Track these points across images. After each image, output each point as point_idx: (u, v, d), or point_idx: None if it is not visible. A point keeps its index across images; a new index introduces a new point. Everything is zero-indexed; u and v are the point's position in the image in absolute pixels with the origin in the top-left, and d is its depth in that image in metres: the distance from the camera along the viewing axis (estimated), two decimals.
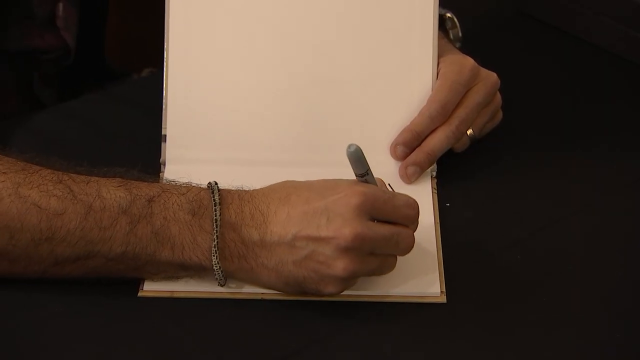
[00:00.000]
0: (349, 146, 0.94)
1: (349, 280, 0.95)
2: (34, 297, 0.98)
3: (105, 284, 0.98)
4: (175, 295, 0.99)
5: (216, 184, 0.98)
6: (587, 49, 1.34)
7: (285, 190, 0.98)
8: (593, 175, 1.19)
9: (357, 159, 0.95)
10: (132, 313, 0.98)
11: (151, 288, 1.00)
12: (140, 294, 0.99)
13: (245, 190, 1.00)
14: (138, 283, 0.99)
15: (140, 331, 0.97)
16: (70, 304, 0.98)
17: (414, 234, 0.99)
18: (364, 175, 0.97)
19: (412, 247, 0.97)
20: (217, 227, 0.95)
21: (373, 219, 0.95)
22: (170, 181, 1.03)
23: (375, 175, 1.00)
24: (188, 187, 0.99)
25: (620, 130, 1.25)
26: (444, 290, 1.00)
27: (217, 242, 0.95)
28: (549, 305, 1.01)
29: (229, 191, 0.99)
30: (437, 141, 1.14)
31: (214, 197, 0.97)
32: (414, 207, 0.97)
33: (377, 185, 0.99)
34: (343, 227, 0.92)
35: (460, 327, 0.98)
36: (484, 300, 1.01)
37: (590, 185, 1.17)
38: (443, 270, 1.02)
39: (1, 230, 0.95)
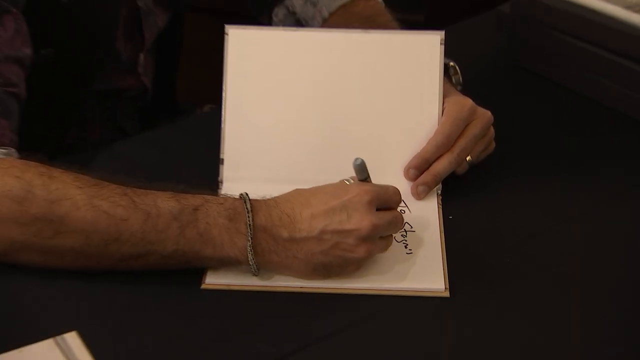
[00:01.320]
0: (355, 159, 1.01)
1: (366, 261, 1.00)
2: (108, 287, 0.99)
3: (173, 278, 1.01)
4: (232, 287, 1.01)
5: (247, 194, 1.00)
6: (565, 92, 1.35)
7: (304, 196, 1.01)
8: (573, 191, 1.20)
9: (362, 168, 1.01)
10: (195, 302, 1.00)
11: (210, 284, 1.02)
12: (203, 286, 1.01)
13: (270, 199, 1.02)
14: (201, 277, 1.01)
15: (201, 317, 0.98)
16: (148, 295, 1.00)
17: (417, 236, 1.08)
18: (365, 180, 1.03)
19: (403, 223, 1.04)
20: (250, 230, 0.98)
21: (378, 209, 0.98)
22: (220, 196, 1.06)
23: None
24: (225, 198, 1.02)
25: (593, 157, 1.25)
26: (448, 287, 1.01)
27: (251, 241, 0.98)
28: (533, 295, 1.03)
29: (257, 200, 1.01)
30: (442, 166, 1.16)
31: (246, 205, 0.99)
32: (398, 193, 1.04)
33: (371, 182, 1.04)
34: (362, 220, 0.96)
35: (461, 317, 0.99)
36: (480, 294, 1.03)
37: (572, 200, 1.18)
38: (447, 270, 1.04)
39: (78, 233, 0.97)
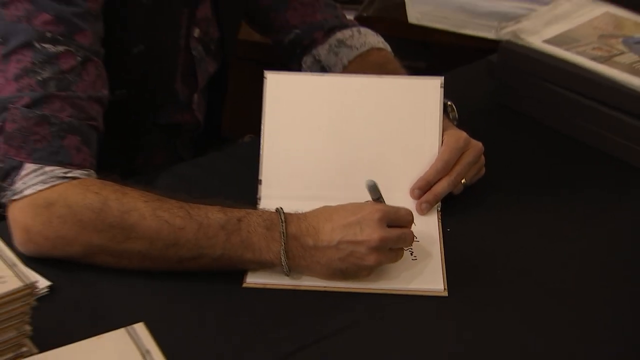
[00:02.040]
0: (368, 181, 1.03)
1: (376, 268, 1.00)
2: (168, 285, 1.01)
3: (220, 278, 1.02)
4: (267, 286, 1.02)
5: (281, 208, 1.02)
6: (543, 128, 1.36)
7: (328, 212, 1.02)
8: (545, 207, 1.20)
9: (373, 188, 1.02)
10: (237, 298, 1.01)
11: (251, 283, 1.02)
12: (244, 285, 1.02)
13: (300, 213, 1.03)
14: (242, 278, 1.02)
15: (242, 311, 1.00)
16: (200, 292, 1.01)
17: (423, 253, 1.07)
18: (378, 199, 1.04)
19: (413, 240, 1.04)
20: (283, 237, 0.99)
21: (389, 226, 0.98)
22: (259, 210, 1.07)
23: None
24: (263, 211, 1.04)
25: (566, 183, 1.25)
26: (446, 287, 1.02)
27: (284, 247, 0.99)
28: (522, 294, 1.04)
29: (289, 213, 1.02)
30: (442, 187, 1.16)
31: (280, 217, 1.01)
32: (410, 214, 1.04)
33: (384, 203, 1.05)
34: (372, 233, 0.97)
35: (458, 313, 1.00)
36: (475, 294, 1.03)
37: (549, 215, 1.18)
38: (445, 274, 1.05)
39: (145, 239, 0.99)
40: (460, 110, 1.25)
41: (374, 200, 1.04)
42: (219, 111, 1.46)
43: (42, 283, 0.93)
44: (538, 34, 1.38)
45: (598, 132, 1.30)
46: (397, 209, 1.03)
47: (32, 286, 0.75)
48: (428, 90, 1.19)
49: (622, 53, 1.32)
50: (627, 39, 1.36)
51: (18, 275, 0.75)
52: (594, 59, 1.31)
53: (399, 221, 1.01)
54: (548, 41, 1.36)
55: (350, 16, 1.51)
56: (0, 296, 0.73)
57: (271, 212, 1.02)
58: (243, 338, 0.95)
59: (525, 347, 0.95)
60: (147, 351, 0.70)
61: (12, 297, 0.74)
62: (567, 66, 1.31)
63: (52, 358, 0.70)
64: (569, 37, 1.37)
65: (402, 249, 1.02)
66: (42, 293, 0.88)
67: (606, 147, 1.30)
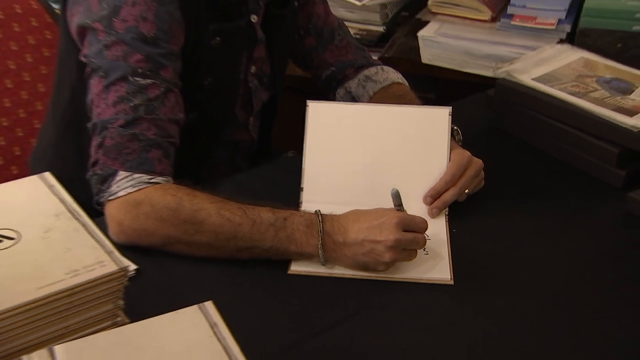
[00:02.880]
0: (392, 189, 1.03)
1: (392, 264, 1.00)
2: (229, 270, 1.02)
3: (269, 265, 1.03)
4: (307, 273, 1.02)
5: (319, 211, 1.03)
6: (532, 148, 1.35)
7: (356, 215, 1.03)
8: (533, 212, 1.19)
9: (396, 196, 1.03)
10: (283, 282, 1.01)
11: (295, 270, 1.03)
12: (289, 272, 1.03)
13: (333, 215, 1.04)
14: (287, 265, 1.03)
15: (287, 292, 1.01)
16: (253, 276, 1.02)
17: (435, 249, 1.07)
18: (399, 206, 1.04)
19: (425, 244, 1.02)
20: (320, 234, 1.00)
21: (405, 230, 0.98)
22: (301, 211, 1.07)
23: (412, 213, 1.06)
24: (304, 212, 1.05)
25: (554, 195, 1.25)
26: (452, 277, 1.02)
27: (321, 242, 1.00)
28: (518, 283, 1.03)
29: (325, 215, 1.03)
30: (449, 196, 1.15)
31: (318, 218, 1.02)
32: (424, 222, 1.02)
33: (405, 212, 1.03)
34: (389, 235, 0.97)
35: (461, 298, 1.00)
36: (476, 283, 1.03)
37: (536, 218, 1.17)
38: (451, 266, 1.05)
39: (210, 232, 1.01)
40: (464, 134, 1.25)
41: (395, 206, 1.04)
42: (269, 131, 1.46)
43: (132, 267, 0.94)
44: (527, 73, 1.37)
45: (575, 153, 1.29)
46: (413, 217, 1.02)
47: (125, 269, 0.76)
48: (439, 117, 1.19)
49: (595, 90, 1.32)
50: (599, 79, 1.36)
51: (114, 260, 0.76)
52: (573, 94, 1.30)
53: (414, 227, 1.01)
54: (535, 79, 1.35)
55: (375, 56, 1.51)
56: (102, 276, 0.74)
57: (311, 213, 1.03)
58: (289, 314, 0.96)
59: (516, 324, 0.95)
60: (215, 324, 0.70)
61: (110, 277, 0.75)
62: (551, 99, 1.30)
63: (140, 327, 0.70)
64: (552, 76, 1.36)
65: (415, 250, 1.02)
66: (131, 274, 0.89)
67: (581, 165, 1.29)
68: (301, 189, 1.16)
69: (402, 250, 0.99)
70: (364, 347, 0.91)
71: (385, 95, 1.37)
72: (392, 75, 1.42)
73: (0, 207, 0.82)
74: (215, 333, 0.69)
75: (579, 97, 1.29)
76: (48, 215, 0.81)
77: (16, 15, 1.48)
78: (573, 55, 1.44)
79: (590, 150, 1.26)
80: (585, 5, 1.63)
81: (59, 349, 0.64)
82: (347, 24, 1.53)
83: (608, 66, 1.41)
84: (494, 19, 1.72)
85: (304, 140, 1.18)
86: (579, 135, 1.27)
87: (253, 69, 1.32)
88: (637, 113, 1.23)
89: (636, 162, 1.22)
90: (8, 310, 0.69)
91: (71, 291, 0.73)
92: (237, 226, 1.00)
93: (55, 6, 1.61)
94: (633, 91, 1.31)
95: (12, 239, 0.77)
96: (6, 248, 0.76)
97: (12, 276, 0.72)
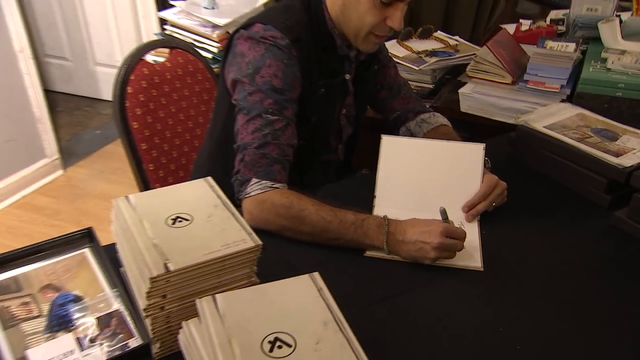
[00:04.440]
0: (441, 207, 1.04)
1: (435, 260, 0.98)
2: (324, 252, 1.01)
3: (353, 252, 1.02)
4: (372, 255, 1.01)
5: (386, 216, 1.01)
6: (546, 178, 1.31)
7: (413, 222, 1.01)
8: (544, 222, 1.15)
9: (443, 213, 1.03)
10: (361, 263, 1.01)
11: (369, 254, 1.02)
12: (364, 255, 1.02)
13: (397, 220, 1.02)
14: (363, 251, 1.02)
15: (365, 270, 0.99)
16: (342, 258, 1.01)
17: (470, 245, 1.03)
18: (445, 220, 1.02)
19: (462, 248, 1.00)
20: (386, 233, 0.99)
21: (448, 237, 0.96)
22: (373, 215, 1.06)
23: (454, 218, 1.05)
24: (376, 216, 1.03)
25: (565, 211, 1.21)
26: (482, 265, 1.01)
27: (386, 239, 1.00)
28: (529, 269, 1.01)
29: (391, 219, 1.01)
30: (481, 207, 1.13)
31: (385, 221, 1.01)
32: (464, 233, 1.00)
33: (450, 224, 1.01)
34: (435, 239, 0.96)
35: (489, 282, 0.98)
36: (502, 271, 1.00)
37: (546, 226, 1.13)
38: (482, 257, 1.03)
39: (310, 226, 1.01)
40: (492, 163, 1.22)
41: (442, 219, 1.02)
42: (351, 155, 1.46)
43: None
44: (539, 122, 1.34)
45: (574, 181, 1.26)
46: (455, 228, 1.00)
47: (258, 246, 0.77)
48: (475, 151, 1.17)
49: (590, 137, 1.28)
50: (592, 129, 1.32)
51: (252, 239, 0.78)
52: (573, 139, 1.27)
53: (455, 235, 0.98)
54: (546, 127, 1.32)
55: (427, 105, 1.50)
56: (243, 250, 0.76)
57: (380, 217, 1.02)
58: (365, 284, 0.96)
59: (529, 302, 0.93)
60: (320, 288, 0.71)
61: (249, 250, 0.77)
62: (558, 142, 1.27)
63: (269, 287, 0.71)
64: (558, 125, 1.33)
65: (454, 252, 0.99)
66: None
67: (579, 190, 1.25)
68: (374, 197, 1.15)
69: (443, 251, 0.97)
70: (415, 310, 0.90)
71: (435, 133, 1.36)
72: (440, 119, 1.40)
73: (180, 199, 0.85)
74: (320, 294, 0.70)
75: (578, 141, 1.26)
76: (210, 206, 0.84)
77: (189, 72, 1.54)
78: (572, 111, 1.41)
79: (586, 180, 1.23)
80: (582, 76, 1.61)
81: (219, 296, 0.67)
82: (409, 82, 1.53)
83: (599, 120, 1.37)
84: (514, 83, 1.70)
85: (378, 163, 1.16)
86: (578, 169, 1.24)
87: (344, 111, 1.33)
88: (621, 155, 1.20)
89: (619, 190, 1.19)
90: (187, 267, 0.72)
91: (224, 258, 0.75)
92: (329, 223, 1.00)
93: (213, 66, 1.67)
94: (618, 139, 1.28)
95: (188, 220, 0.80)
96: (185, 226, 0.79)
97: (189, 246, 0.75)
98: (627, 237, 1.11)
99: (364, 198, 1.16)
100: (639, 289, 0.97)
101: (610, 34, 1.75)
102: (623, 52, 1.67)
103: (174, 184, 0.90)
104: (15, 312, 0.78)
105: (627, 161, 1.18)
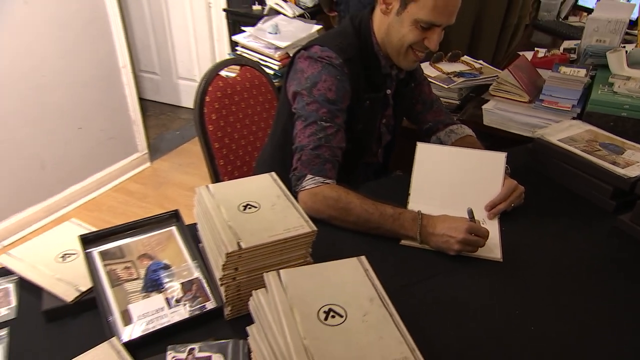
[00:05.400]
0: (468, 208, 1.00)
1: (459, 252, 0.96)
2: (367, 239, 0.99)
3: (391, 241, 0.99)
4: (407, 244, 0.99)
5: (420, 211, 0.99)
6: (558, 185, 1.25)
7: (443, 218, 0.98)
8: (556, 220, 1.10)
9: (470, 213, 1.01)
10: (399, 250, 0.98)
11: (403, 243, 1.00)
12: (400, 243, 1.00)
13: (429, 215, 0.99)
14: (398, 240, 1.00)
15: (399, 254, 0.97)
16: (383, 245, 0.99)
17: (491, 239, 0.98)
18: (472, 219, 0.99)
19: (485, 244, 0.96)
20: (419, 226, 0.96)
21: (472, 234, 0.93)
22: (409, 209, 1.03)
23: (477, 215, 1.02)
24: (411, 211, 1.01)
25: (580, 214, 1.15)
26: (502, 257, 0.97)
27: (419, 231, 0.97)
28: (542, 261, 0.98)
29: (424, 214, 0.99)
30: (501, 207, 1.09)
31: (419, 215, 0.98)
32: (487, 232, 0.97)
33: (475, 223, 0.98)
34: (459, 235, 0.94)
35: (508, 272, 0.95)
36: (516, 261, 0.97)
37: (558, 225, 1.08)
38: (501, 249, 0.99)
39: (355, 216, 1.00)
40: (512, 170, 1.18)
41: (469, 218, 0.99)
42: (388, 158, 1.44)
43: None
44: (554, 136, 1.28)
45: (584, 189, 1.19)
46: (479, 227, 0.97)
47: (314, 231, 0.77)
48: (498, 159, 1.13)
49: (599, 150, 1.22)
50: (601, 143, 1.25)
51: (309, 225, 0.77)
52: (584, 151, 1.21)
53: (479, 233, 0.96)
54: (559, 140, 1.26)
55: (455, 117, 1.46)
56: (302, 234, 0.76)
57: (415, 212, 1.00)
58: (403, 267, 0.95)
59: (541, 288, 0.90)
60: (366, 269, 0.70)
61: (306, 235, 0.77)
62: (570, 154, 1.21)
63: (322, 266, 0.70)
64: (570, 139, 1.27)
65: (476, 247, 0.96)
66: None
67: (588, 196, 1.19)
68: (409, 194, 1.12)
69: (466, 245, 0.95)
70: (443, 291, 0.89)
71: (462, 142, 1.32)
72: (466, 130, 1.36)
73: (250, 190, 0.85)
74: (367, 274, 0.69)
75: (589, 154, 1.20)
76: (274, 196, 0.83)
77: (255, 85, 1.55)
78: (582, 127, 1.34)
79: (594, 188, 1.17)
80: (591, 97, 1.53)
81: (282, 272, 0.66)
82: (439, 97, 1.48)
83: (606, 135, 1.30)
84: (530, 101, 1.63)
85: (414, 166, 1.13)
86: (587, 178, 1.18)
87: (384, 121, 1.30)
88: (626, 166, 1.15)
89: (623, 197, 1.14)
90: (256, 246, 0.73)
91: (285, 240, 0.75)
92: (371, 215, 0.99)
93: (274, 80, 1.67)
94: (623, 152, 1.21)
95: (256, 207, 0.80)
96: (254, 212, 0.79)
97: (257, 228, 0.75)
98: (629, 238, 1.06)
99: (397, 195, 1.14)
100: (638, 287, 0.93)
101: (617, 62, 1.69)
102: (628, 78, 1.61)
103: (239, 177, 0.91)
104: (120, 274, 0.80)
105: (631, 172, 1.12)
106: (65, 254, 0.86)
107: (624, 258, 1.01)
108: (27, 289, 0.82)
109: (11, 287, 0.83)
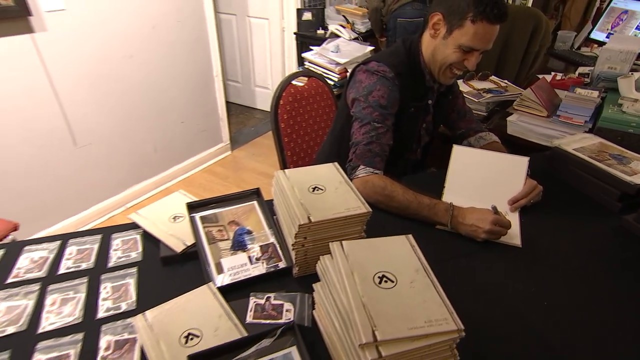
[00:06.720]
0: (492, 205, 0.94)
1: (485, 239, 0.91)
2: (408, 223, 0.95)
3: (426, 225, 0.95)
4: (441, 228, 0.94)
5: (452, 203, 0.94)
6: (573, 188, 1.15)
7: (472, 209, 0.94)
8: (568, 216, 1.01)
9: (494, 209, 0.93)
10: (434, 233, 0.94)
11: (439, 227, 0.95)
12: (437, 227, 0.95)
13: (460, 206, 0.94)
14: (434, 225, 0.95)
15: (437, 237, 0.93)
16: (422, 228, 0.95)
17: (512, 229, 0.94)
18: (496, 213, 0.91)
19: (506, 233, 0.91)
20: (450, 216, 0.91)
21: (496, 224, 0.87)
22: (443, 201, 0.98)
23: (501, 209, 0.96)
24: (445, 202, 0.96)
25: (589, 213, 1.06)
26: (521, 243, 0.91)
27: (450, 220, 0.93)
28: (554, 249, 0.91)
29: (456, 206, 0.94)
30: (522, 202, 1.02)
31: (451, 207, 0.92)
32: (509, 223, 0.92)
33: (499, 215, 0.92)
34: (485, 225, 0.90)
35: (526, 256, 0.89)
36: (534, 247, 0.90)
37: (570, 221, 1.00)
38: (521, 236, 0.93)
39: (398, 203, 0.96)
40: (532, 172, 1.09)
41: (494, 212, 0.93)
42: (426, 156, 1.38)
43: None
44: (569, 146, 1.18)
45: (595, 192, 1.10)
46: (503, 218, 0.91)
47: (369, 212, 0.74)
48: (521, 162, 1.05)
49: (609, 159, 1.11)
50: (610, 154, 1.15)
51: (365, 207, 0.75)
52: (596, 160, 1.11)
53: (502, 225, 0.90)
54: (574, 149, 1.16)
55: (483, 126, 1.37)
56: (360, 214, 0.74)
57: (448, 203, 0.95)
58: (438, 245, 0.90)
59: (559, 273, 0.83)
60: (413, 245, 0.67)
61: (362, 214, 0.75)
62: (584, 162, 1.11)
63: (375, 241, 0.68)
64: (584, 149, 1.16)
65: (500, 236, 0.90)
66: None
67: (598, 199, 1.09)
68: (444, 187, 1.07)
69: (491, 234, 0.89)
70: (471, 267, 0.85)
71: (489, 147, 1.24)
72: (494, 137, 1.29)
73: (317, 175, 0.83)
74: (413, 249, 0.66)
75: (600, 162, 1.10)
76: (336, 181, 0.81)
77: (318, 93, 1.53)
78: (594, 140, 1.23)
79: (604, 191, 1.08)
80: (602, 115, 1.42)
81: (344, 243, 0.65)
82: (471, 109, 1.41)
83: (615, 147, 1.19)
84: (548, 116, 1.52)
85: (449, 164, 1.07)
86: (597, 182, 1.08)
87: (424, 125, 1.25)
88: (633, 174, 1.05)
89: (629, 200, 1.04)
90: (322, 221, 0.72)
91: (346, 218, 0.73)
92: (410, 202, 0.95)
93: (334, 89, 1.64)
94: (630, 162, 1.10)
95: (322, 190, 0.78)
96: (320, 194, 0.77)
97: (323, 206, 0.74)
98: (633, 236, 0.97)
99: (430, 188, 1.09)
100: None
101: (626, 86, 1.58)
102: (636, 100, 1.50)
103: (303, 166, 0.89)
104: (214, 235, 0.82)
105: (638, 179, 1.03)
106: (176, 216, 0.89)
107: (627, 252, 0.93)
108: (149, 240, 0.86)
109: (138, 237, 0.87)
